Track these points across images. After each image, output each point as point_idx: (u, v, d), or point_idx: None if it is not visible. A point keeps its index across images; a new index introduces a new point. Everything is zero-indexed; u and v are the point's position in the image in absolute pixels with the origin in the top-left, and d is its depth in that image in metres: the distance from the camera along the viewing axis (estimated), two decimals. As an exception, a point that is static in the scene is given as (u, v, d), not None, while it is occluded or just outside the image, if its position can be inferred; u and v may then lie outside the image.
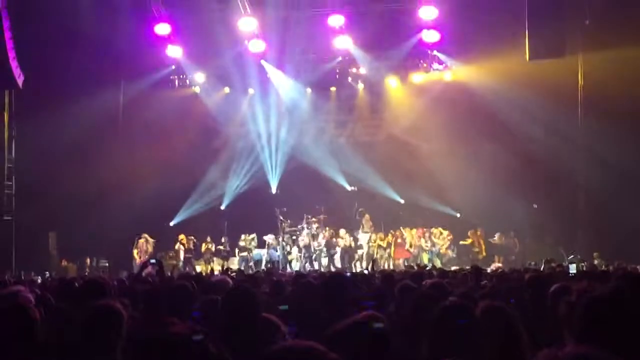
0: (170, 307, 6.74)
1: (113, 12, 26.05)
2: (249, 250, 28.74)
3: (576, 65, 26.84)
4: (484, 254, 27.58)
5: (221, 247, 29.02)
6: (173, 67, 30.02)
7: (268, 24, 27.73)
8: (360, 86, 31.11)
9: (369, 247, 28.27)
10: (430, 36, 27.41)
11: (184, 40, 28.47)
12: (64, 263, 27.83)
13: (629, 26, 24.53)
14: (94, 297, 6.42)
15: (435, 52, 28.79)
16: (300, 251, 28.78)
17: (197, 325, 6.02)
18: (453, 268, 20.75)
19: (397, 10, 27.31)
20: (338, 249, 28.32)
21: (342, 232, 28.61)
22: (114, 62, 27.26)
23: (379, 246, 28.04)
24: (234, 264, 27.74)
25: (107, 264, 28.12)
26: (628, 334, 3.66)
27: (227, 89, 31.12)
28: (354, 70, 30.41)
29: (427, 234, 28.34)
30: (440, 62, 29.33)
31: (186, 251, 28.66)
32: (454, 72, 29.48)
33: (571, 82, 26.89)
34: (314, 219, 29.02)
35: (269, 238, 28.76)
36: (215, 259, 28.71)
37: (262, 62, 29.65)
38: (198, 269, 26.71)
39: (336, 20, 27.20)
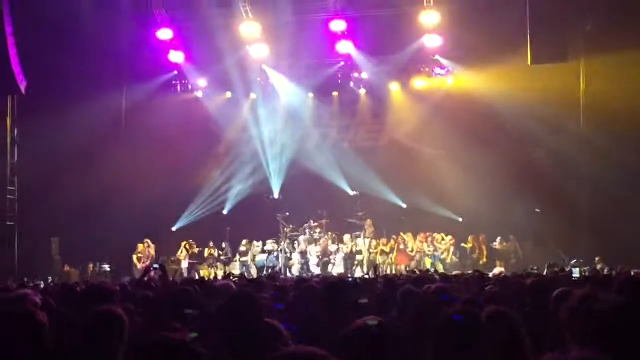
0: (173, 312, 6.74)
1: (115, 18, 26.11)
2: (253, 256, 28.67)
3: (578, 70, 26.84)
4: (485, 259, 27.55)
5: (222, 253, 29.00)
6: (175, 72, 30.07)
7: (270, 29, 27.76)
8: (363, 91, 31.12)
9: (369, 252, 28.21)
10: (433, 41, 27.47)
11: (186, 45, 28.54)
12: (67, 268, 27.82)
13: (631, 31, 24.53)
14: (96, 302, 6.42)
15: (437, 57, 28.81)
16: (304, 256, 28.73)
17: (192, 324, 6.03)
18: (454, 273, 20.72)
19: (399, 15, 27.32)
20: (338, 255, 28.26)
21: (346, 237, 28.57)
22: (116, 67, 27.31)
23: (382, 251, 28.00)
24: (235, 269, 27.70)
25: (109, 269, 28.09)
26: (635, 342, 3.64)
27: (229, 94, 31.13)
28: (356, 75, 30.43)
29: (429, 239, 28.29)
30: (443, 67, 29.34)
31: (191, 256, 28.63)
32: (456, 77, 29.50)
33: (573, 87, 26.89)
34: (316, 224, 28.99)
35: (268, 244, 28.73)
36: (218, 264, 28.69)
37: (264, 67, 29.70)
38: (201, 274, 26.76)
39: (338, 25, 27.24)
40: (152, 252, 27.72)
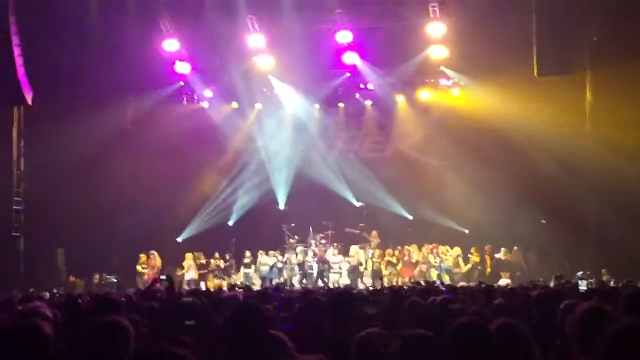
0: (179, 324, 6.73)
1: (122, 28, 26.15)
2: (257, 267, 28.62)
3: (584, 82, 26.82)
4: (489, 269, 27.51)
5: (227, 264, 28.98)
6: (181, 82, 30.11)
7: (276, 40, 27.81)
8: (368, 102, 31.16)
9: (373, 262, 28.15)
10: (438, 52, 27.48)
11: (192, 56, 28.60)
12: (72, 279, 27.80)
13: (637, 42, 24.52)
14: (102, 313, 6.42)
15: (443, 69, 28.81)
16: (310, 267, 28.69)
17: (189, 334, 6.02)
18: (460, 284, 20.69)
19: (405, 27, 27.32)
20: (343, 265, 28.23)
21: (352, 249, 28.52)
22: (122, 78, 27.34)
23: (388, 262, 27.95)
24: (240, 280, 27.68)
25: (115, 280, 28.07)
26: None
27: (235, 105, 31.18)
28: (361, 86, 30.46)
29: (434, 250, 28.25)
30: (448, 79, 29.35)
31: (199, 267, 28.60)
32: (461, 88, 29.50)
33: (579, 99, 26.87)
34: (321, 235, 28.97)
35: (271, 254, 28.66)
36: (223, 275, 28.66)
37: (270, 77, 29.73)
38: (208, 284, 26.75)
39: (344, 36, 27.29)
40: (158, 263, 27.68)
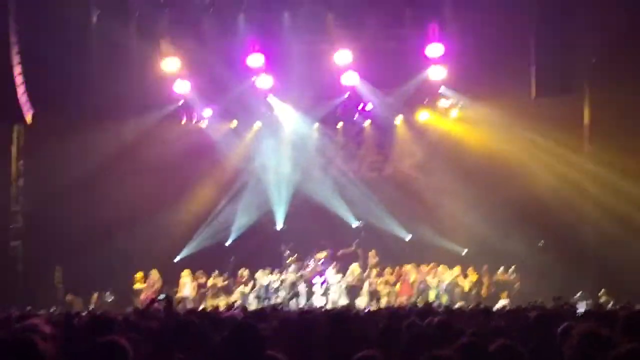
0: (178, 343, 6.72)
1: (121, 47, 26.24)
2: (253, 287, 28.51)
3: (583, 103, 26.90)
4: (485, 290, 27.47)
5: (225, 283, 28.88)
6: (181, 101, 30.14)
7: (275, 60, 27.88)
8: (367, 122, 31.21)
9: (370, 283, 28.05)
10: (437, 73, 27.57)
11: (192, 75, 28.65)
12: (70, 297, 27.71)
13: (636, 64, 24.62)
14: (100, 332, 6.42)
15: (442, 89, 28.88)
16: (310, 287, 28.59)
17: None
18: (457, 305, 20.69)
19: (404, 47, 27.44)
20: (340, 285, 28.16)
21: (353, 266, 28.43)
22: (122, 96, 27.36)
23: (387, 282, 27.90)
24: (237, 299, 27.60)
25: (112, 299, 27.99)
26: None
27: (234, 124, 31.20)
28: (361, 106, 30.54)
29: (433, 271, 28.21)
30: (447, 99, 29.40)
31: (199, 286, 28.52)
32: (460, 108, 29.56)
33: (578, 120, 26.93)
34: (320, 255, 28.92)
35: (265, 274, 28.53)
36: (221, 294, 28.55)
37: (270, 97, 29.79)
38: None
39: (343, 56, 27.37)
40: (158, 282, 27.59)
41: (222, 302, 26.67)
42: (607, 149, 25.33)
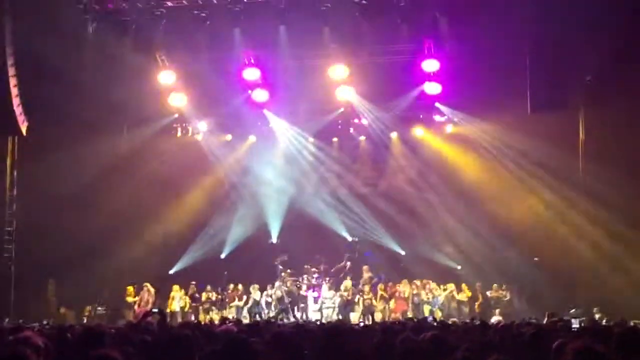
0: (171, 356, 6.70)
1: (117, 61, 26.26)
2: (246, 301, 28.42)
3: (577, 120, 26.98)
4: (479, 306, 27.45)
5: (219, 297, 28.77)
6: (176, 115, 30.15)
7: (271, 74, 27.94)
8: (362, 137, 31.24)
9: (364, 298, 27.95)
10: (432, 88, 27.61)
11: (188, 88, 28.67)
12: (62, 310, 27.65)
13: (630, 82, 24.71)
14: (92, 345, 6.39)
15: (437, 104, 28.93)
16: (304, 301, 28.50)
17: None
18: (451, 320, 20.64)
19: (399, 63, 27.51)
20: (335, 300, 28.09)
21: (346, 281, 28.37)
22: (117, 110, 27.36)
23: (381, 297, 27.85)
24: (231, 313, 27.54)
25: (105, 312, 27.91)
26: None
27: (229, 137, 31.24)
28: (356, 121, 30.59)
29: (427, 286, 28.17)
30: (442, 114, 29.43)
31: (191, 299, 28.42)
32: (455, 124, 29.60)
33: (573, 137, 27.00)
34: (314, 269, 28.90)
35: (255, 289, 28.40)
36: (213, 308, 28.47)
37: (265, 111, 29.81)
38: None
39: (339, 71, 27.41)
40: (152, 296, 27.50)
41: (215, 316, 26.64)
42: (602, 165, 25.36)
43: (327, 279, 28.86)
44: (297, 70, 27.42)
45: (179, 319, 25.50)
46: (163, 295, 28.04)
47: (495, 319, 24.79)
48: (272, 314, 27.20)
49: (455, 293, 27.76)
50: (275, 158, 31.30)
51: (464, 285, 27.87)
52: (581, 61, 25.58)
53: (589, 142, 26.88)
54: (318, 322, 21.10)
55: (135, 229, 28.55)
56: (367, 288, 28.06)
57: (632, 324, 16.37)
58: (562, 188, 26.67)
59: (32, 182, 26.88)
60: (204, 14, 25.87)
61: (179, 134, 31.28)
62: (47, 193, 26.48)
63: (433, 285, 28.15)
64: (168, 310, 26.96)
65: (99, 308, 27.96)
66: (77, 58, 25.59)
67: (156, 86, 28.18)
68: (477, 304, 27.59)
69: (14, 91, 24.79)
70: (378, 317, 25.78)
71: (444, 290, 27.89)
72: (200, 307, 28.40)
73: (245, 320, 22.93)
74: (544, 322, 18.26)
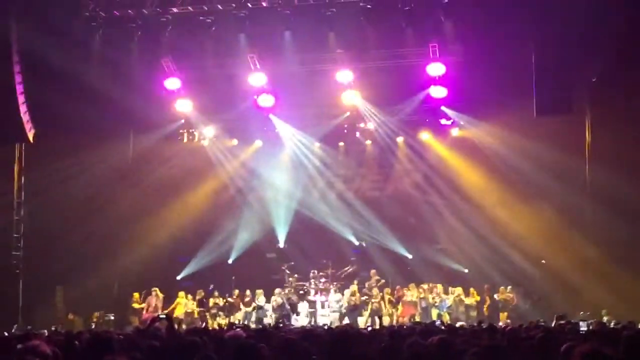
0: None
1: (123, 67, 26.32)
2: (255, 306, 28.40)
3: (584, 122, 26.94)
4: (487, 309, 27.42)
5: (226, 302, 28.73)
6: (182, 120, 30.20)
7: (277, 79, 27.97)
8: (368, 142, 31.24)
9: (372, 302, 27.92)
10: (438, 92, 27.59)
11: (194, 94, 28.72)
12: (71, 316, 27.69)
13: (636, 82, 24.68)
14: (101, 351, 6.41)
15: (443, 108, 28.92)
16: (312, 306, 28.48)
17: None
18: (459, 324, 20.62)
19: (405, 67, 27.50)
20: (341, 304, 28.08)
21: (352, 286, 28.35)
22: (124, 116, 27.41)
23: (389, 301, 27.83)
24: (239, 318, 27.55)
25: (113, 318, 27.95)
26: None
27: (235, 142, 31.28)
28: (362, 125, 30.60)
29: (435, 290, 28.13)
30: (448, 118, 29.41)
31: (199, 304, 28.40)
32: (461, 127, 29.60)
33: (579, 138, 26.94)
34: (321, 274, 28.88)
35: (260, 294, 28.41)
36: (220, 313, 28.45)
37: (271, 116, 29.84)
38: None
39: (344, 75, 27.44)
40: (160, 303, 27.51)
41: (222, 322, 26.63)
42: (609, 167, 25.32)
43: (334, 283, 28.84)
44: (303, 75, 27.47)
45: (184, 325, 25.50)
46: (170, 301, 28.06)
47: (503, 322, 24.76)
48: (271, 321, 27.18)
49: (462, 297, 27.73)
50: (281, 163, 31.32)
51: (472, 290, 27.82)
52: (587, 63, 25.56)
53: (595, 144, 26.82)
54: (326, 327, 21.07)
55: (143, 235, 28.61)
56: (375, 291, 28.02)
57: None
58: (568, 190, 26.61)
59: (39, 189, 26.95)
60: (209, 20, 25.90)
61: (185, 139, 31.33)
62: (55, 199, 26.58)
63: (440, 288, 28.12)
64: (174, 316, 27.00)
65: (107, 314, 28.00)
66: (84, 65, 25.64)
67: (162, 92, 28.23)
68: (485, 306, 27.54)
69: (21, 98, 24.87)
70: (386, 320, 25.76)
71: (451, 293, 27.86)
72: (208, 313, 28.38)
73: (252, 326, 22.94)
74: (552, 325, 18.23)
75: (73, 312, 27.90)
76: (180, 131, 31.00)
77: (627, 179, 24.76)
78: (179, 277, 29.82)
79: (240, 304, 28.49)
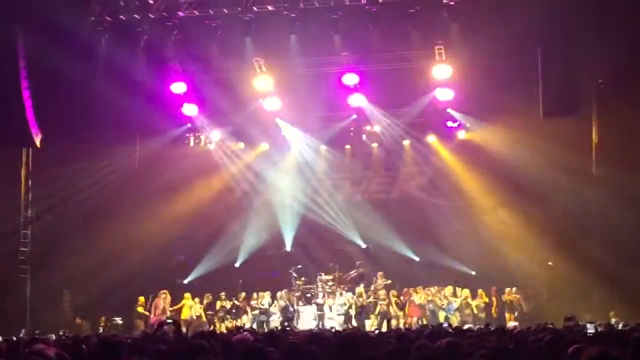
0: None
1: (129, 71, 26.36)
2: (262, 309, 28.36)
3: (590, 123, 26.87)
4: (494, 311, 27.39)
5: (233, 305, 28.71)
6: (188, 124, 30.26)
7: (283, 82, 27.99)
8: (375, 144, 31.21)
9: (380, 304, 27.86)
10: (444, 94, 27.60)
11: (200, 98, 28.75)
12: (78, 321, 27.74)
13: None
14: (108, 355, 6.42)
15: (449, 110, 28.91)
16: (320, 309, 28.46)
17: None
18: (467, 326, 20.59)
19: (411, 69, 27.52)
20: (341, 308, 28.03)
21: (359, 288, 28.33)
22: (130, 120, 27.47)
23: (395, 304, 27.79)
24: (247, 322, 27.56)
25: (120, 322, 27.98)
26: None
27: (242, 146, 31.28)
28: (368, 128, 30.58)
29: (442, 292, 28.10)
30: (454, 120, 29.41)
31: (207, 307, 28.40)
32: (468, 129, 29.57)
33: (585, 140, 26.88)
34: (328, 277, 28.85)
35: (266, 297, 28.40)
36: (227, 316, 28.44)
37: (277, 119, 29.87)
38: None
39: (350, 78, 27.44)
40: (167, 304, 27.51)
41: (229, 325, 26.62)
42: (616, 169, 25.27)
43: (342, 286, 28.82)
44: (309, 78, 27.50)
45: (189, 329, 25.49)
46: (176, 303, 28.05)
47: (511, 324, 24.72)
48: (274, 324, 27.18)
49: (469, 299, 27.70)
50: (287, 166, 31.32)
51: (480, 291, 27.77)
52: (593, 64, 25.54)
53: (602, 145, 26.76)
54: (333, 330, 21.05)
55: (150, 239, 28.63)
56: (381, 293, 27.94)
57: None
58: (575, 192, 26.54)
59: (46, 193, 27.05)
60: (215, 24, 25.95)
61: (191, 143, 31.37)
62: (62, 204, 26.66)
63: (448, 291, 28.09)
64: (182, 319, 27.03)
65: (115, 318, 28.03)
66: (90, 69, 25.70)
67: (168, 96, 28.28)
68: (493, 308, 27.50)
69: (28, 103, 24.95)
70: (393, 323, 25.73)
71: (458, 296, 27.82)
72: (215, 317, 28.35)
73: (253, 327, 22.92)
74: (561, 326, 18.17)
75: (80, 317, 27.95)
76: (187, 135, 31.04)
77: (636, 180, 24.71)
78: (186, 281, 29.82)
79: (247, 307, 28.48)
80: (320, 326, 26.54)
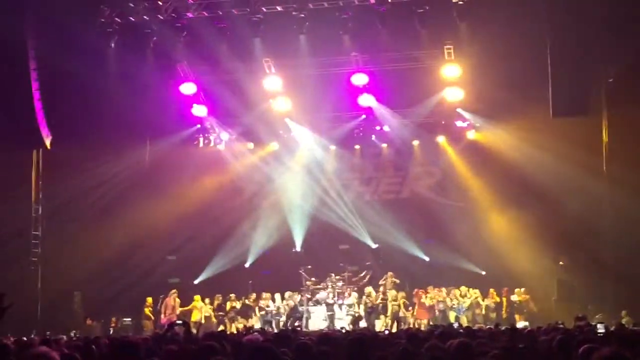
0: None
1: (139, 72, 26.42)
2: (271, 309, 28.35)
3: (600, 123, 26.78)
4: (505, 311, 27.33)
5: (243, 306, 28.70)
6: (198, 125, 30.32)
7: (292, 83, 28.03)
8: (384, 144, 31.18)
9: (391, 305, 27.82)
10: (454, 94, 27.58)
11: (209, 99, 28.81)
12: (89, 322, 27.79)
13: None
14: (119, 356, 6.43)
15: (458, 110, 28.87)
16: (330, 309, 28.43)
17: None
18: (477, 326, 20.56)
19: (420, 69, 27.52)
20: (360, 308, 28.02)
21: (368, 288, 28.30)
22: (140, 121, 27.54)
23: (405, 304, 27.74)
24: (257, 322, 27.57)
25: (131, 323, 28.03)
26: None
27: (251, 146, 31.30)
28: (377, 128, 30.54)
29: (452, 292, 28.06)
30: (464, 120, 29.37)
31: (217, 308, 28.41)
32: (477, 129, 29.52)
33: (596, 139, 26.79)
34: (338, 277, 28.84)
35: (290, 295, 28.43)
36: (238, 317, 28.43)
37: (287, 119, 29.89)
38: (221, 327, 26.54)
39: (360, 78, 27.45)
40: (177, 305, 27.54)
41: (240, 326, 26.65)
42: (626, 168, 25.18)
43: (351, 286, 28.81)
44: (318, 79, 27.54)
45: (199, 331, 25.50)
46: (186, 305, 28.07)
47: (521, 324, 24.66)
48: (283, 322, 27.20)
49: (480, 299, 27.66)
50: (297, 166, 31.31)
51: (492, 291, 27.73)
52: (603, 63, 25.46)
53: (612, 145, 26.67)
54: (343, 330, 21.05)
55: (160, 240, 28.69)
56: (391, 294, 27.88)
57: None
58: (586, 191, 26.44)
59: (57, 195, 27.11)
60: (224, 25, 25.99)
61: (201, 144, 31.40)
62: (72, 205, 26.71)
63: (458, 291, 28.05)
64: (192, 321, 27.04)
65: (125, 319, 28.08)
66: (100, 70, 25.77)
67: (178, 97, 28.33)
68: (503, 308, 27.45)
69: (38, 105, 25.02)
70: (402, 323, 25.71)
71: (468, 297, 27.78)
72: (226, 317, 28.36)
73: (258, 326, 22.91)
74: (572, 326, 18.12)
75: (91, 318, 28.00)
76: (196, 136, 31.09)
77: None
78: (196, 281, 29.85)
79: (257, 307, 28.49)
80: (330, 326, 26.53)
